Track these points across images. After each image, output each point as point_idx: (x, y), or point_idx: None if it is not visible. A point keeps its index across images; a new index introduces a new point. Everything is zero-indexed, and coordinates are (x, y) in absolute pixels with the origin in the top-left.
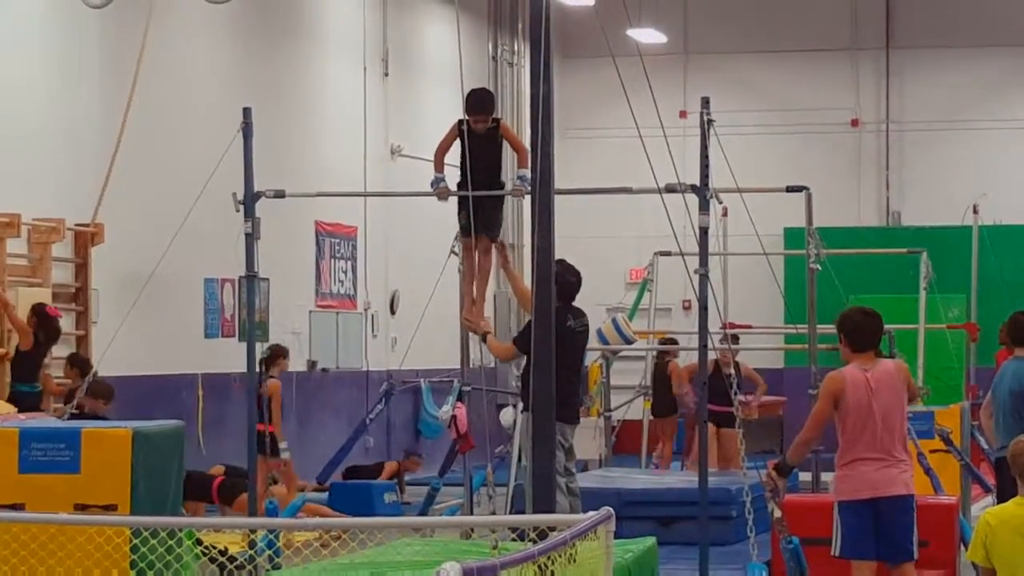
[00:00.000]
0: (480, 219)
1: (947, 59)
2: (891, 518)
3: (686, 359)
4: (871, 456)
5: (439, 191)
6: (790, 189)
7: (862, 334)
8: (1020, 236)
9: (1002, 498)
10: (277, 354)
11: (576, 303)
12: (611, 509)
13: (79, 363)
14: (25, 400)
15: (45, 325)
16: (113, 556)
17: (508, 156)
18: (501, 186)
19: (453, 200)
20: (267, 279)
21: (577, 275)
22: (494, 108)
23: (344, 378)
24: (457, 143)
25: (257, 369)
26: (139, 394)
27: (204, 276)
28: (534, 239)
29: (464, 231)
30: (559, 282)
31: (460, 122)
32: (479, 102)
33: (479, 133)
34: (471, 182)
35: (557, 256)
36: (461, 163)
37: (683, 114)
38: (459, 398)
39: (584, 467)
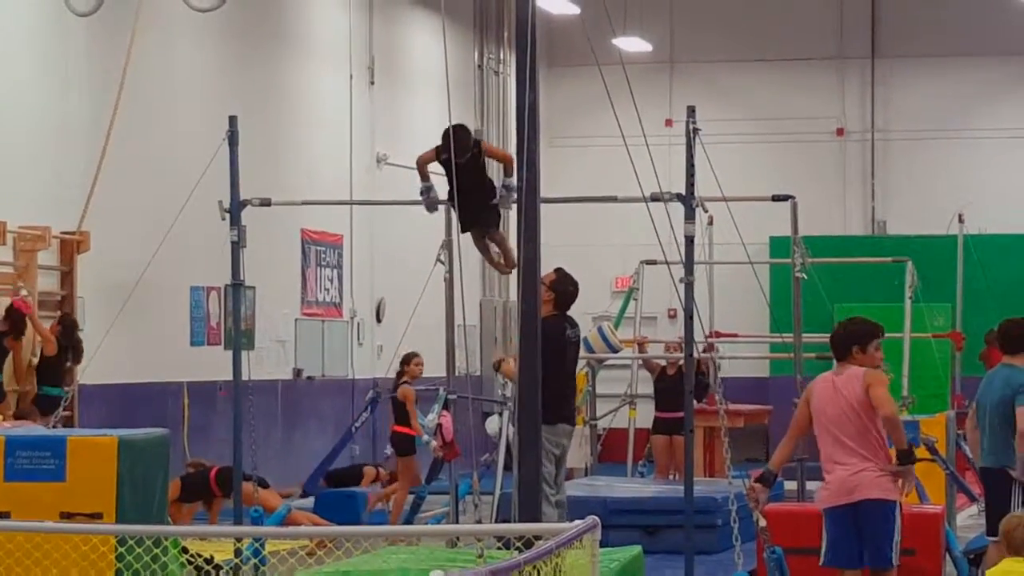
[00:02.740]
0: (474, 220)
1: (932, 68)
2: (871, 523)
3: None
4: (847, 460)
5: (428, 201)
6: (775, 198)
7: (833, 343)
8: (1005, 245)
9: (990, 509)
10: (406, 360)
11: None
12: (597, 518)
13: (67, 323)
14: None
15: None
16: (99, 564)
17: (494, 167)
18: (490, 191)
19: (441, 208)
20: (253, 287)
21: (575, 285)
22: (470, 143)
23: (330, 386)
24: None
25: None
26: (124, 402)
27: (190, 284)
28: (520, 248)
29: (462, 228)
30: (558, 291)
31: (438, 150)
32: (456, 145)
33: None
34: (460, 204)
35: (544, 265)
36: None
37: (669, 123)
38: (445, 406)
39: (569, 475)
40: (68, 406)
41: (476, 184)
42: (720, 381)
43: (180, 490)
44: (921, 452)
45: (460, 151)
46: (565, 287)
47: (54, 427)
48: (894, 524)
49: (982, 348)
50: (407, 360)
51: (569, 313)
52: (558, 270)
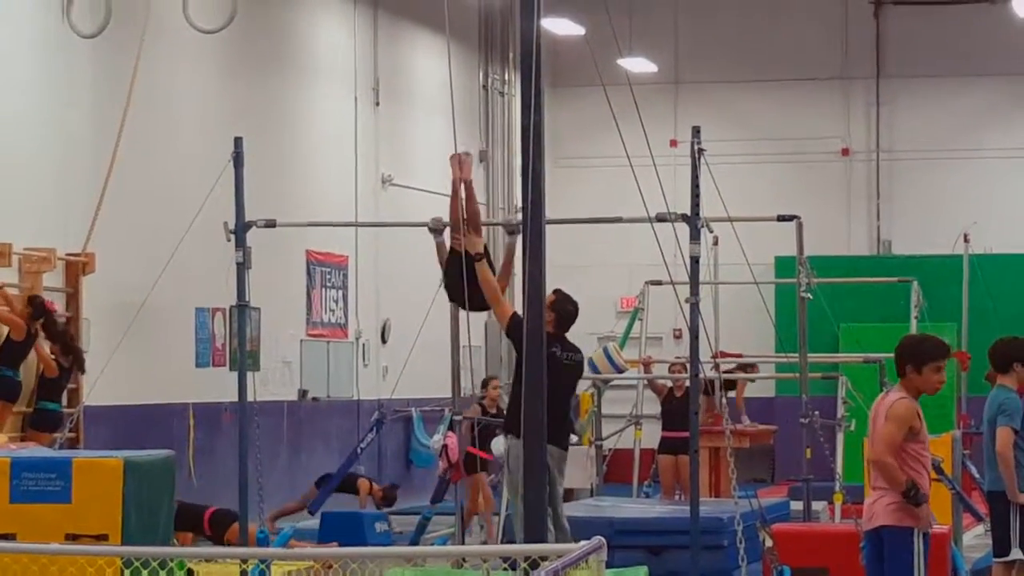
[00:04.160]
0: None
1: (937, 88)
2: (888, 550)
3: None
4: (875, 486)
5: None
6: (781, 218)
7: None
8: (1010, 265)
9: (995, 532)
10: (484, 384)
11: (569, 332)
12: (602, 538)
13: (64, 340)
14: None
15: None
16: None
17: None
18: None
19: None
20: (258, 308)
21: (575, 305)
22: None
23: (335, 407)
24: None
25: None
26: (130, 423)
27: (195, 305)
28: (525, 268)
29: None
30: (558, 311)
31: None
32: None
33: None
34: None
35: (549, 285)
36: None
37: (674, 143)
38: (450, 427)
39: (568, 497)
40: (74, 427)
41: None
42: (725, 402)
43: None
44: None
45: None
46: (564, 307)
47: (61, 447)
48: (911, 552)
49: (988, 369)
50: (484, 384)
51: (570, 335)
52: (556, 291)
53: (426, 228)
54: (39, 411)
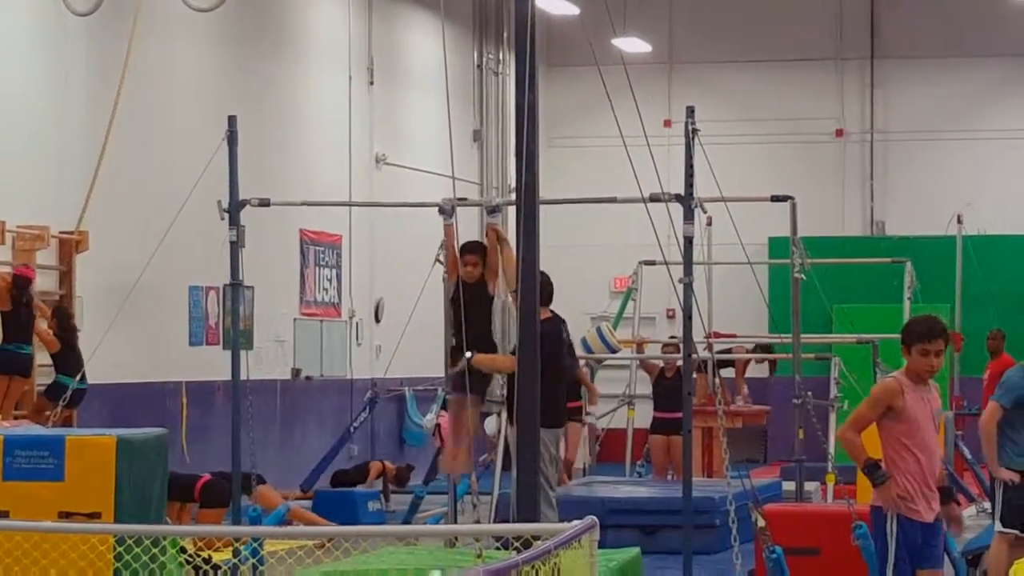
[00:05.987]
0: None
1: (931, 69)
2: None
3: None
4: None
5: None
6: (775, 199)
7: None
8: (1004, 246)
9: (1008, 511)
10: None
11: (558, 310)
12: (595, 518)
13: (61, 315)
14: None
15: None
16: (97, 564)
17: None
18: (491, 344)
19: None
20: (252, 287)
21: (546, 275)
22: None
23: (328, 386)
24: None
25: None
26: (123, 402)
27: (189, 284)
28: (519, 248)
29: (456, 389)
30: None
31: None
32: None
33: (470, 283)
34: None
35: (543, 265)
36: (455, 321)
37: (668, 123)
38: (443, 406)
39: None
40: (67, 405)
41: (480, 318)
42: (719, 382)
43: None
44: None
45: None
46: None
47: (52, 425)
48: (883, 533)
49: (987, 361)
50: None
51: (560, 311)
52: None
53: (419, 208)
54: (53, 383)
